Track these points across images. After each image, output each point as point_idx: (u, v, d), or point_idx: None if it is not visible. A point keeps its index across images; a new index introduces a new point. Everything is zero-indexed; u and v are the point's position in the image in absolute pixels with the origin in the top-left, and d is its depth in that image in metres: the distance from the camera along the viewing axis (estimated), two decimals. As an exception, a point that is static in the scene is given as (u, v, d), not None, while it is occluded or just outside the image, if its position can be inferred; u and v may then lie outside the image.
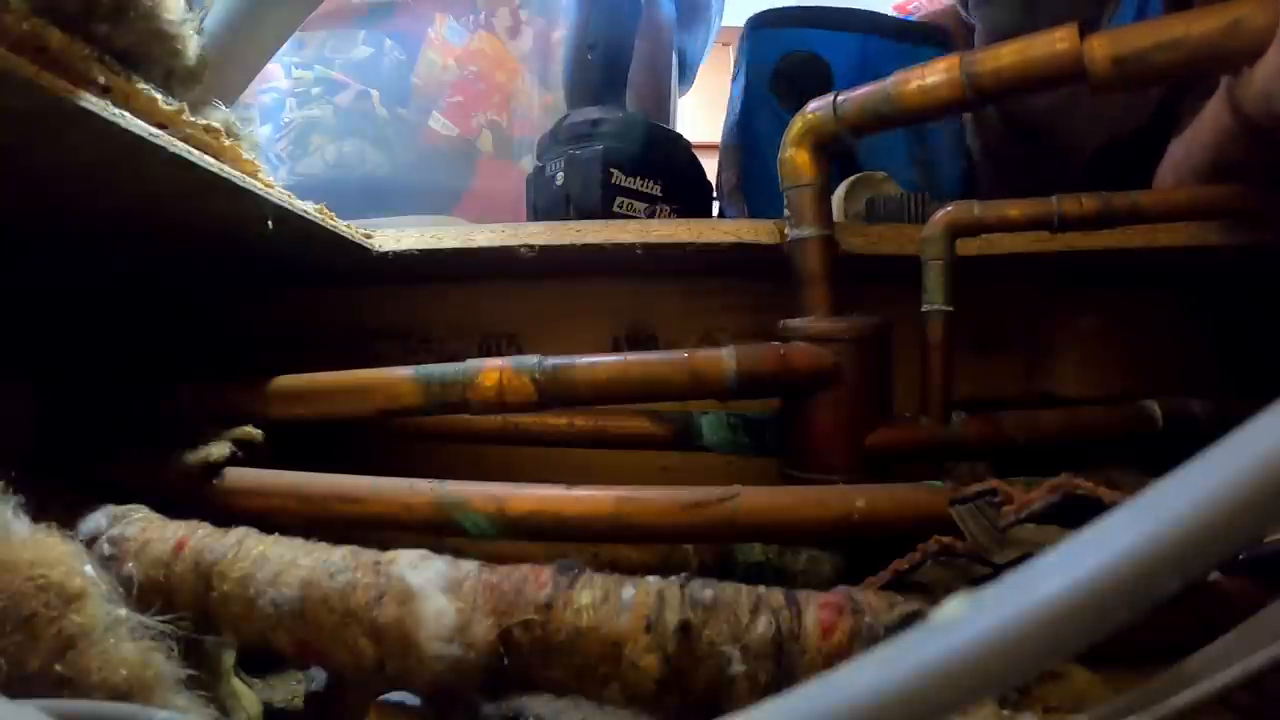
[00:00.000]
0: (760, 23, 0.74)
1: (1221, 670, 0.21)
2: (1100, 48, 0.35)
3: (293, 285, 0.59)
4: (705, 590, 0.27)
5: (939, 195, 0.57)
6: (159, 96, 0.31)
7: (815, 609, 0.26)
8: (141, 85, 0.30)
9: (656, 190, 0.58)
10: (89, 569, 0.26)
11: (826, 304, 0.43)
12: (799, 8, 0.74)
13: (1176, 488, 0.12)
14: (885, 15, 0.77)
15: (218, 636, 0.31)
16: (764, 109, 0.72)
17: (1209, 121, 0.46)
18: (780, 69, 0.71)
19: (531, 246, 0.50)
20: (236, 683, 0.36)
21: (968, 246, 0.46)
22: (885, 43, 0.72)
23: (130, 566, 0.31)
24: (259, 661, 0.39)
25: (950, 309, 0.44)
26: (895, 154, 0.69)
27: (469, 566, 0.28)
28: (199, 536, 0.31)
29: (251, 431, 0.42)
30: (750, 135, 0.73)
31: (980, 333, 0.58)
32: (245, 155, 0.35)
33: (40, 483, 0.30)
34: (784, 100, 0.71)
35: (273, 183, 0.37)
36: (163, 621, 0.27)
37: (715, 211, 0.88)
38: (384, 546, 0.30)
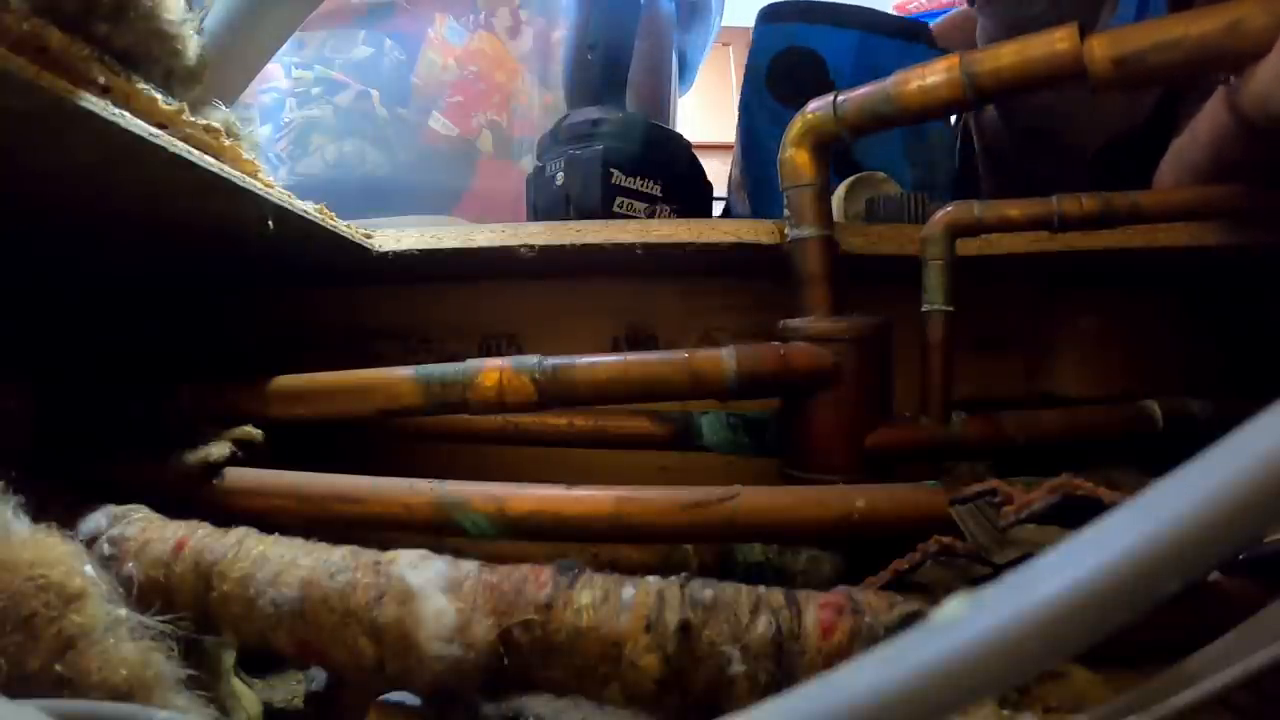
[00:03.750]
0: (760, 18, 0.74)
1: (1221, 670, 0.21)
2: (1100, 48, 0.35)
3: (293, 285, 0.59)
4: (705, 590, 0.27)
5: (936, 194, 0.57)
6: (159, 96, 0.31)
7: (815, 609, 0.26)
8: (141, 85, 0.30)
9: (656, 190, 0.58)
10: (89, 569, 0.26)
11: (826, 304, 0.43)
12: (795, 3, 0.74)
13: (1176, 488, 0.12)
14: (881, 12, 0.77)
15: (218, 636, 0.31)
16: (761, 104, 0.72)
17: (1207, 121, 0.46)
18: (775, 65, 0.71)
19: (531, 246, 0.50)
20: (236, 683, 0.36)
21: (968, 246, 0.46)
22: (881, 40, 0.72)
23: (130, 566, 0.31)
24: (259, 661, 0.39)
25: (950, 309, 0.44)
26: (892, 152, 0.69)
27: (469, 566, 0.28)
28: (199, 536, 0.31)
29: (251, 431, 0.42)
30: (748, 130, 0.73)
31: (980, 333, 0.58)
32: (245, 155, 0.35)
33: (40, 483, 0.30)
34: (780, 96, 0.71)
35: (273, 183, 0.37)
36: (163, 621, 0.27)
37: (720, 209, 0.88)
38: (384, 546, 0.30)
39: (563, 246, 0.50)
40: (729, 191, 0.86)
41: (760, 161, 0.71)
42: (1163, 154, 0.53)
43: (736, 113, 0.75)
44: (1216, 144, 0.45)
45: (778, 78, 0.71)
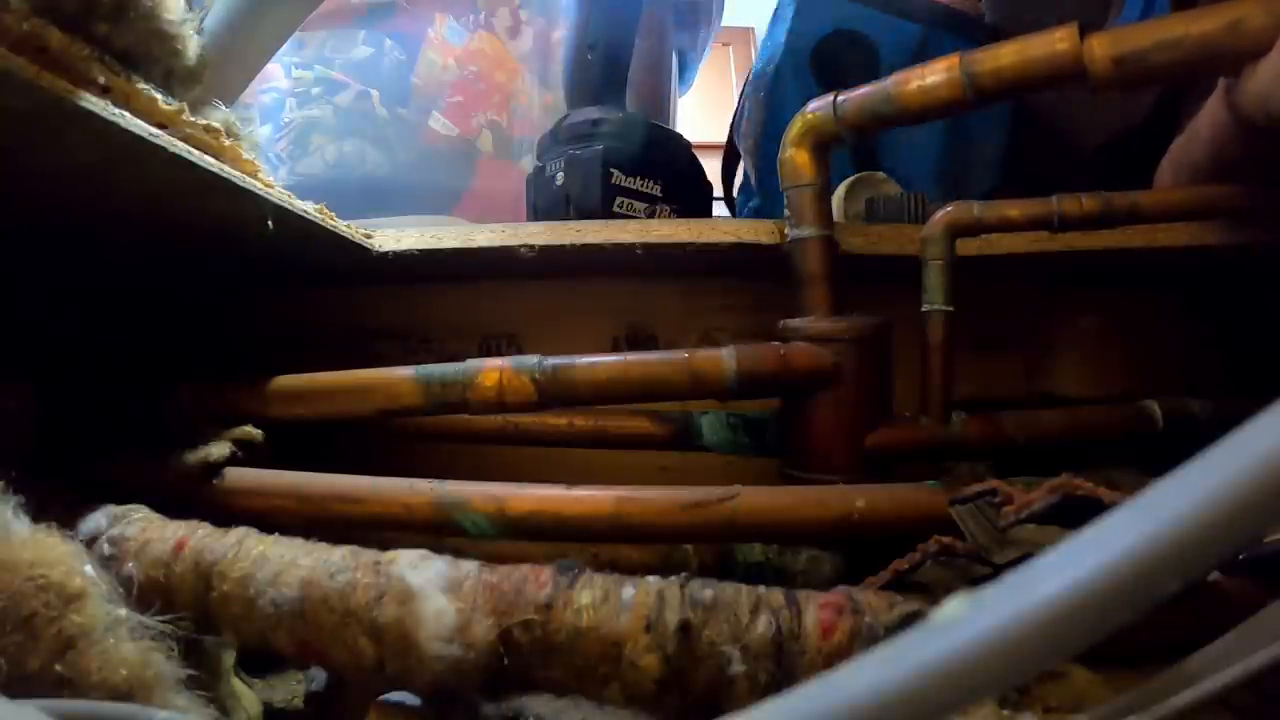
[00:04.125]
0: None
1: (1221, 670, 0.21)
2: (1100, 47, 0.35)
3: (293, 285, 0.59)
4: (705, 590, 0.27)
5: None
6: (159, 96, 0.31)
7: (815, 609, 0.26)
8: (141, 85, 0.30)
9: (656, 190, 0.58)
10: (89, 569, 0.26)
11: (826, 304, 0.43)
12: None
13: (1176, 488, 0.12)
14: (949, 7, 0.72)
15: (218, 636, 0.31)
16: (797, 80, 0.67)
17: (1207, 119, 0.46)
18: (824, 44, 0.67)
19: (531, 246, 0.50)
20: (236, 683, 0.36)
21: (968, 246, 0.46)
22: (945, 36, 0.67)
23: (130, 566, 0.31)
24: (259, 661, 0.39)
25: (950, 309, 0.44)
26: (925, 161, 0.67)
27: (469, 566, 0.28)
28: (199, 536, 0.31)
29: (251, 431, 0.42)
30: (777, 102, 0.69)
31: (980, 333, 0.58)
32: (245, 155, 0.35)
33: (40, 483, 0.30)
34: (820, 77, 0.67)
35: (273, 183, 0.37)
36: (163, 621, 0.27)
37: (721, 209, 0.88)
38: (384, 546, 0.30)
39: (563, 246, 0.50)
40: (740, 147, 0.82)
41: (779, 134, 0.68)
42: (1163, 153, 0.53)
43: (760, 64, 0.71)
44: (1216, 143, 0.45)
45: (823, 57, 0.66)
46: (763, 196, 0.72)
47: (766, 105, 0.70)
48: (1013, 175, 0.72)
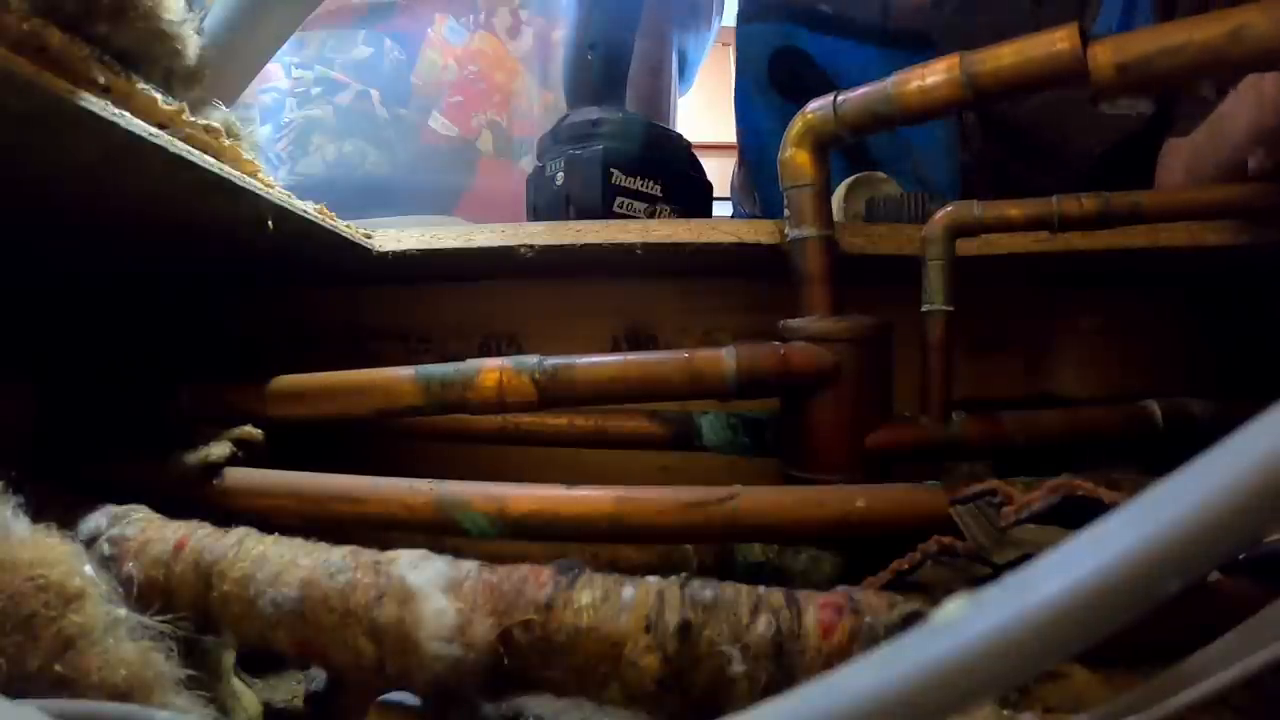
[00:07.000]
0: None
1: (1221, 670, 0.21)
2: (1103, 53, 0.35)
3: (293, 285, 0.59)
4: (705, 590, 0.27)
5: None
6: (159, 96, 0.31)
7: (815, 609, 0.26)
8: (141, 85, 0.30)
9: (656, 190, 0.58)
10: (89, 569, 0.26)
11: (826, 304, 0.43)
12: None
13: (1176, 488, 0.12)
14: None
15: (218, 636, 0.31)
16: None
17: (1245, 122, 0.45)
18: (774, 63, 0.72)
19: (531, 246, 0.50)
20: (236, 683, 0.36)
21: (968, 246, 0.46)
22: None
23: (130, 566, 0.31)
24: (259, 661, 0.39)
25: (950, 309, 0.44)
26: (898, 158, 0.69)
27: (469, 566, 0.28)
28: (199, 536, 0.31)
29: (251, 431, 0.42)
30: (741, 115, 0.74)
31: (980, 333, 0.58)
32: (245, 155, 0.35)
33: (40, 483, 0.30)
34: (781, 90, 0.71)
35: (273, 183, 0.37)
36: (163, 621, 0.27)
37: (723, 210, 0.88)
38: (384, 546, 0.30)
39: (563, 246, 0.50)
40: (732, 193, 0.85)
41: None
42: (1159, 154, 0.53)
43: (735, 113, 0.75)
44: (1255, 145, 0.44)
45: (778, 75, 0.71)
46: (762, 202, 0.74)
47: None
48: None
